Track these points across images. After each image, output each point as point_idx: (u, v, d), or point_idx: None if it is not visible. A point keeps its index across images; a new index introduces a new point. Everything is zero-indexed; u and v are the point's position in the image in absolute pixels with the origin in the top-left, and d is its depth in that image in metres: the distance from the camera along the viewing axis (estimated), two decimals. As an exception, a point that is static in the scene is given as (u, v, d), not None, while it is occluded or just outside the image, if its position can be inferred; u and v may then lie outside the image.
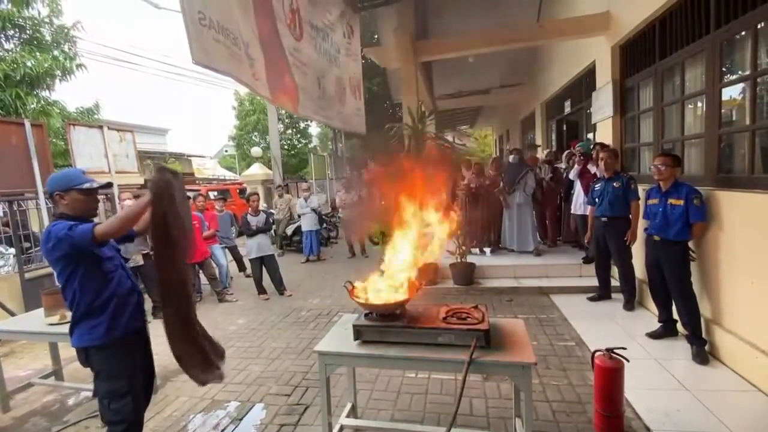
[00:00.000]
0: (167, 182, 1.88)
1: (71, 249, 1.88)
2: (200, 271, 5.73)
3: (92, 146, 5.52)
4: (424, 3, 7.16)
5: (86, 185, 2.00)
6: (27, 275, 4.89)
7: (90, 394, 2.76)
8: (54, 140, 9.67)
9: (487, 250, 6.26)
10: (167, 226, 1.84)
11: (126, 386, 2.03)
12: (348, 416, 2.50)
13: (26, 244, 5.42)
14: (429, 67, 9.10)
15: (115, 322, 2.03)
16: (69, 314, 2.91)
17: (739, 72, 3.25)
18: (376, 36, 9.52)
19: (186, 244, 1.98)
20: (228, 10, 2.31)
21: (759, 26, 2.89)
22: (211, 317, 4.98)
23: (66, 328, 2.81)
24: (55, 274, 2.07)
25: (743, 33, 3.07)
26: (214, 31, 2.14)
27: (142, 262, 4.95)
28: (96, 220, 2.12)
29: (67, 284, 1.99)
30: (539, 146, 9.74)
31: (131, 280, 2.19)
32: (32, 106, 9.39)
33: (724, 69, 3.32)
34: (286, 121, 22.43)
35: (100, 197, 6.14)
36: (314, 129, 24.62)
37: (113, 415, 2.01)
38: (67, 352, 4.10)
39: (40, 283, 4.72)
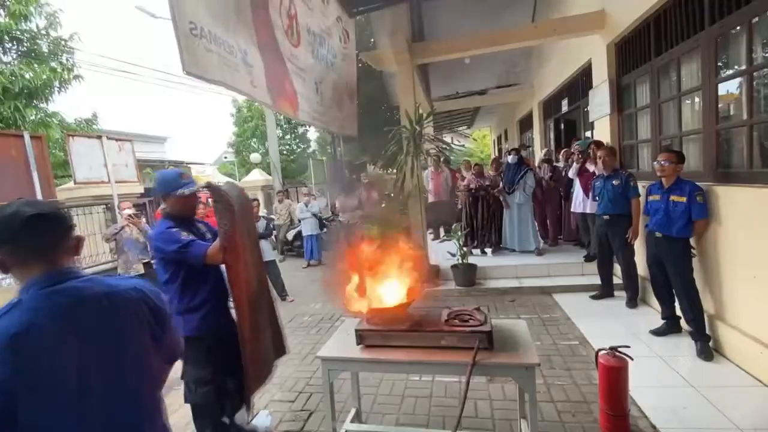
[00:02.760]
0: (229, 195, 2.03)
1: (177, 261, 2.09)
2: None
3: (92, 156, 5.54)
4: (419, 6, 7.18)
5: (179, 192, 2.15)
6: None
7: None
8: (53, 151, 9.70)
9: (489, 250, 6.26)
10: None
11: (210, 375, 2.18)
12: (352, 421, 2.49)
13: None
14: (425, 69, 9.11)
15: (205, 322, 2.17)
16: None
17: (735, 67, 3.26)
18: (372, 40, 9.55)
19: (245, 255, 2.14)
20: (223, 19, 2.32)
21: (753, 21, 2.90)
22: (213, 325, 4.96)
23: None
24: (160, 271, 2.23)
25: (738, 28, 3.08)
26: (206, 41, 2.15)
27: (142, 271, 4.95)
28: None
29: (168, 284, 2.16)
30: (529, 147, 9.75)
31: (224, 284, 2.27)
32: (31, 118, 9.42)
33: (719, 64, 3.33)
34: (285, 126, 22.48)
35: (101, 207, 6.18)
36: (313, 134, 24.66)
37: (197, 399, 2.21)
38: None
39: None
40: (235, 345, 2.13)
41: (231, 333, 2.26)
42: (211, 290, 2.20)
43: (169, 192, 2.16)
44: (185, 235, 2.09)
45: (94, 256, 6.05)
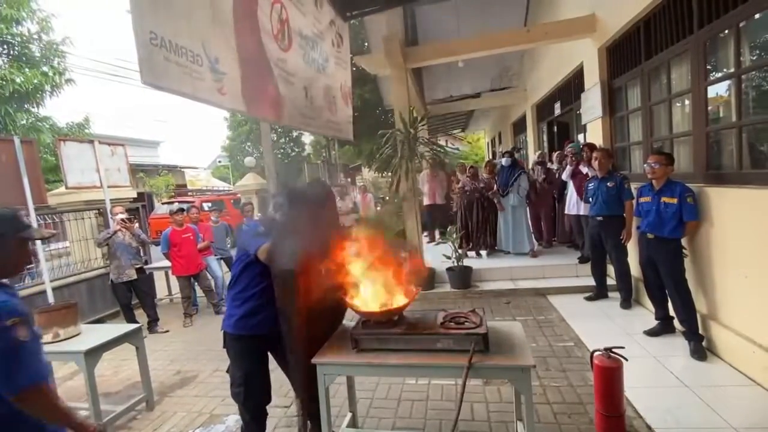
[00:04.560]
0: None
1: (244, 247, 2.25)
2: (196, 284, 5.69)
3: (84, 161, 5.48)
4: (412, 10, 7.23)
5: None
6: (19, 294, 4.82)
7: (85, 412, 2.72)
8: (45, 156, 9.61)
9: (484, 252, 6.28)
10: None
11: (241, 378, 2.23)
12: (348, 426, 2.47)
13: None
14: (419, 72, 9.16)
15: (245, 321, 2.19)
16: (62, 332, 2.88)
17: (724, 70, 3.30)
18: (366, 44, 9.58)
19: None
20: (186, 27, 2.28)
21: (741, 25, 2.95)
22: (208, 330, 4.92)
23: (59, 347, 2.77)
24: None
25: (726, 32, 3.13)
26: (165, 50, 2.11)
27: (135, 277, 4.90)
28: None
29: (235, 264, 2.30)
30: (521, 149, 9.83)
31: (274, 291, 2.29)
32: (22, 123, 9.34)
33: (708, 67, 3.37)
34: (279, 130, 22.44)
35: (93, 212, 6.12)
36: (307, 137, 24.63)
37: (233, 395, 2.32)
38: (61, 371, 4.03)
39: (32, 302, 4.65)
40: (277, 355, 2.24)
41: (270, 343, 2.28)
42: (259, 293, 2.19)
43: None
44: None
45: (85, 262, 5.98)
